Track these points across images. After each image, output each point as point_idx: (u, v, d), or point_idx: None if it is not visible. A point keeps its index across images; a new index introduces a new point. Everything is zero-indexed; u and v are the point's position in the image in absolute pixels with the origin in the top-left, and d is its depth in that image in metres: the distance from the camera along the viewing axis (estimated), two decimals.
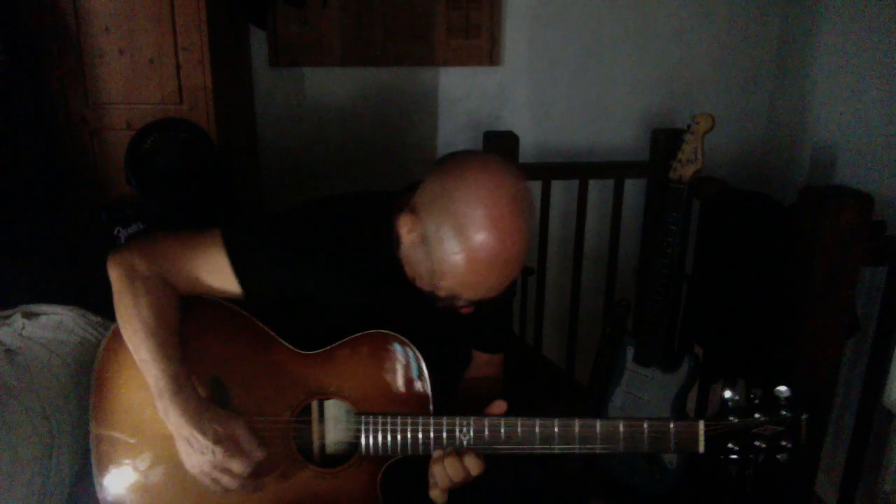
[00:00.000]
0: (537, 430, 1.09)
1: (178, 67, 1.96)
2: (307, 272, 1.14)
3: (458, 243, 1.01)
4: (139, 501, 1.16)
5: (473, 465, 1.09)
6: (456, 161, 1.06)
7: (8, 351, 1.28)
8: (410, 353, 1.13)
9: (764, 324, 1.69)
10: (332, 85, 2.50)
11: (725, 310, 1.83)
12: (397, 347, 1.14)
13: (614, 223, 2.26)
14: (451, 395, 1.32)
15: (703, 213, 1.99)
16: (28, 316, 1.39)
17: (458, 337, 1.30)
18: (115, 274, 1.13)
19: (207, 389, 1.14)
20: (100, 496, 1.17)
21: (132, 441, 1.16)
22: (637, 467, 1.81)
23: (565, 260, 2.34)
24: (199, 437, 1.06)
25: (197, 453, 1.07)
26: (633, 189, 2.33)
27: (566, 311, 2.35)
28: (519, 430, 1.09)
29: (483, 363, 1.34)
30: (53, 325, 1.38)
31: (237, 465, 1.07)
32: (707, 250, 1.94)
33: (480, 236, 1.00)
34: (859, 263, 1.47)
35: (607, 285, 2.31)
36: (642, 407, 1.80)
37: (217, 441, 1.06)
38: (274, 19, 2.38)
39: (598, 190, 2.33)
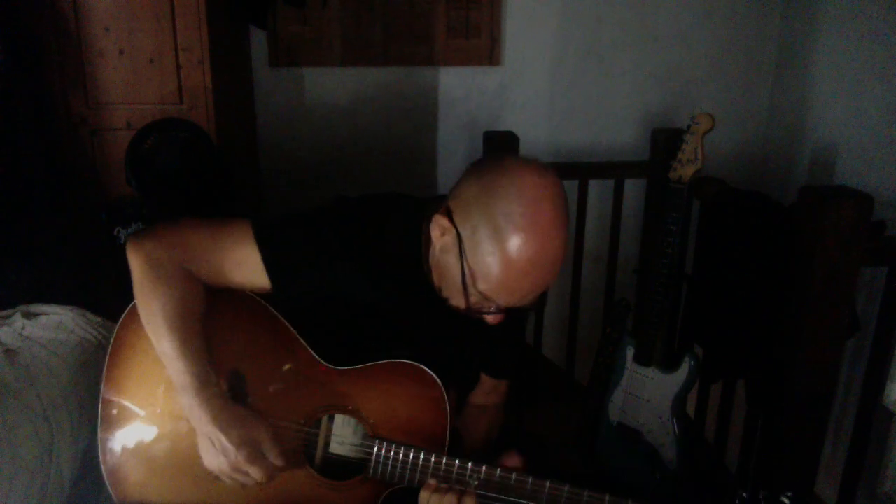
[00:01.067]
0: (546, 491, 1.08)
1: (178, 67, 1.96)
2: (336, 271, 1.11)
3: (495, 244, 0.97)
4: (139, 471, 1.16)
5: None
6: (492, 163, 1.03)
7: (8, 351, 1.28)
8: (436, 388, 1.11)
9: (764, 324, 1.69)
10: (332, 85, 2.50)
11: (725, 310, 1.83)
12: (423, 380, 1.11)
13: (614, 223, 2.26)
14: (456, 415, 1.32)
15: (703, 213, 2.00)
16: (28, 316, 1.39)
17: (469, 358, 1.29)
18: (136, 262, 1.09)
19: (226, 381, 1.12)
20: (101, 460, 1.16)
21: (141, 413, 1.15)
22: (637, 468, 1.81)
23: (565, 260, 2.33)
24: (223, 438, 1.04)
25: (218, 453, 1.06)
26: (633, 189, 2.33)
27: (566, 311, 2.35)
28: (528, 487, 1.08)
29: (489, 389, 1.33)
30: (53, 325, 1.38)
31: (256, 471, 1.06)
32: (707, 250, 1.95)
33: (519, 237, 0.96)
34: (859, 263, 1.47)
35: (607, 285, 2.31)
36: (642, 407, 1.80)
37: (240, 445, 1.05)
38: (274, 19, 2.38)
39: (598, 190, 2.33)
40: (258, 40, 2.42)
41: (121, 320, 1.16)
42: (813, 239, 1.46)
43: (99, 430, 1.17)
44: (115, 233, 1.87)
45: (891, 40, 2.00)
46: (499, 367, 1.32)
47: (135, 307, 1.13)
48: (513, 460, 1.10)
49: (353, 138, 2.55)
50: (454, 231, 1.01)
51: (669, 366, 1.77)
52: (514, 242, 0.96)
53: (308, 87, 2.49)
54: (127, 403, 1.16)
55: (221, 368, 1.11)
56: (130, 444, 1.16)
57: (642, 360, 1.80)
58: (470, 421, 1.30)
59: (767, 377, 1.68)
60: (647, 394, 1.79)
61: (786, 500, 1.05)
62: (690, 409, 2.03)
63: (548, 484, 1.08)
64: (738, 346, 1.80)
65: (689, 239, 2.10)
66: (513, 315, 1.07)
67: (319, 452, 1.16)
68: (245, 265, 1.10)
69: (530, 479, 1.08)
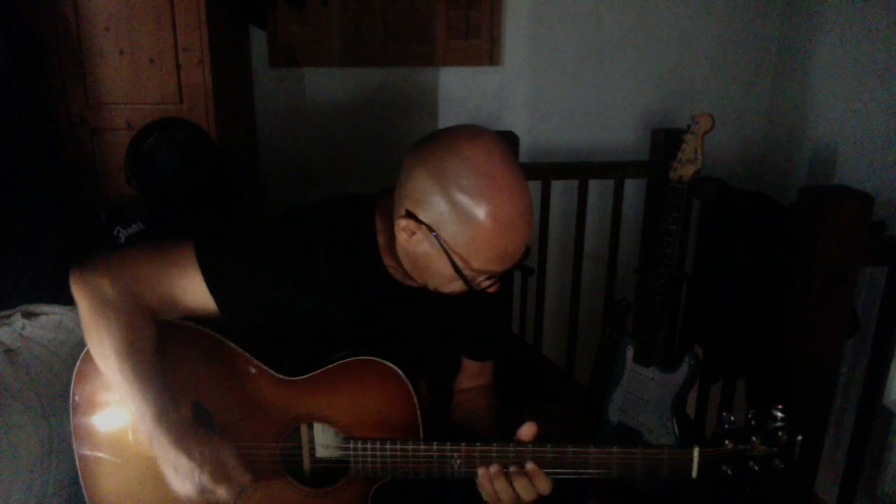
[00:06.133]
0: (530, 455, 1.06)
1: (178, 67, 1.96)
2: (286, 285, 1.09)
3: (471, 222, 0.96)
4: None
5: (544, 485, 1.06)
6: (429, 148, 1.00)
7: (8, 351, 1.29)
8: (399, 379, 1.10)
9: (764, 324, 1.69)
10: (332, 85, 2.50)
11: (725, 310, 1.83)
12: (385, 373, 1.10)
13: (614, 223, 2.26)
14: (445, 402, 1.31)
15: (703, 213, 2.00)
16: (28, 316, 1.39)
17: (448, 343, 1.28)
18: (82, 297, 1.07)
19: (190, 414, 1.11)
20: None
21: (117, 461, 1.15)
22: None
23: (565, 260, 2.34)
24: (186, 462, 1.03)
25: (184, 479, 1.04)
26: (633, 189, 2.33)
27: (566, 311, 2.35)
28: (511, 454, 1.06)
29: (475, 372, 1.32)
30: (53, 325, 1.38)
31: (224, 490, 1.05)
32: (707, 250, 1.95)
33: (489, 205, 0.96)
34: (859, 263, 1.47)
35: (607, 285, 2.31)
36: (642, 407, 1.80)
37: (203, 466, 1.03)
38: (274, 19, 2.38)
39: (598, 190, 2.33)
40: (258, 40, 2.42)
41: (76, 372, 1.14)
42: (813, 239, 1.46)
43: (82, 486, 1.16)
44: (115, 233, 1.87)
45: (891, 40, 2.00)
46: (480, 349, 1.31)
47: (88, 355, 1.12)
48: (530, 431, 1.07)
49: (353, 138, 2.55)
50: (424, 228, 1.00)
51: (669, 366, 1.77)
52: (488, 212, 0.96)
53: (308, 87, 2.49)
54: (101, 455, 1.15)
55: (182, 401, 1.10)
56: (114, 494, 1.16)
57: (642, 360, 1.80)
58: (467, 407, 1.29)
59: (767, 377, 1.68)
60: (647, 394, 1.79)
61: (777, 414, 1.04)
62: (690, 409, 2.03)
63: (531, 447, 1.06)
64: (738, 345, 1.80)
65: (689, 239, 2.10)
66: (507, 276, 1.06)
67: (306, 462, 1.16)
68: (191, 290, 1.08)
69: (511, 446, 1.06)
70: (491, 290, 1.06)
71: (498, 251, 1.00)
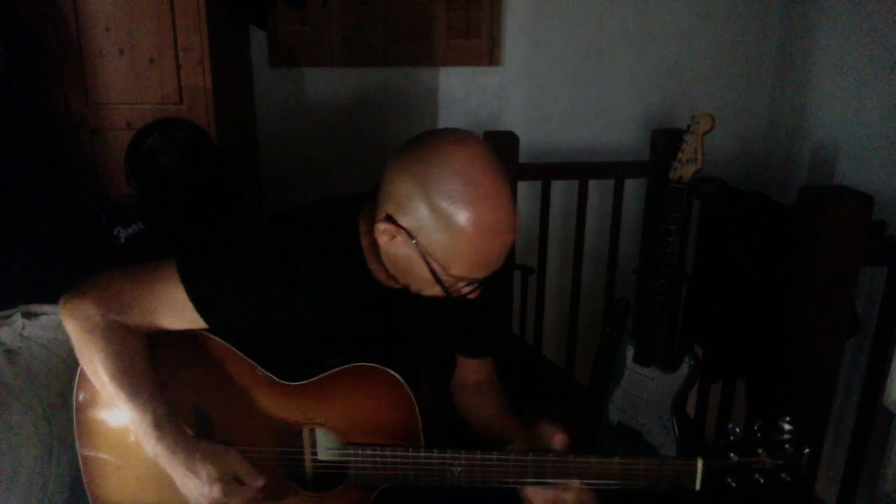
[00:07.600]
0: (530, 464, 1.05)
1: (178, 67, 1.96)
2: (271, 294, 1.08)
3: (452, 228, 0.95)
4: None
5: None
6: (414, 151, 1.00)
7: (8, 351, 1.29)
8: (399, 385, 1.09)
9: (764, 324, 1.69)
10: (332, 85, 2.50)
11: (725, 310, 1.83)
12: (385, 379, 1.09)
13: (614, 223, 2.26)
14: (443, 402, 1.31)
15: (703, 213, 2.00)
16: (28, 316, 1.40)
17: (441, 343, 1.27)
18: (70, 325, 1.08)
19: (190, 419, 1.11)
20: None
21: (120, 461, 1.15)
22: None
23: (565, 260, 2.34)
24: (193, 478, 1.03)
25: (195, 494, 1.04)
26: (633, 189, 2.33)
27: (566, 311, 2.35)
28: (512, 464, 1.05)
29: (475, 370, 1.32)
30: (53, 325, 1.38)
31: (237, 501, 1.05)
32: (707, 250, 1.95)
33: (471, 212, 0.95)
34: (859, 263, 1.47)
35: (607, 285, 2.31)
36: (642, 407, 1.80)
37: (212, 481, 1.03)
38: (274, 19, 2.38)
39: (598, 190, 2.33)
40: (258, 40, 2.42)
41: (77, 380, 1.15)
42: (813, 239, 1.46)
43: (85, 487, 1.16)
44: (115, 233, 1.87)
45: (891, 40, 2.00)
46: (476, 346, 1.30)
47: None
48: (562, 441, 1.05)
49: (353, 138, 2.55)
50: (403, 233, 0.99)
51: (669, 366, 1.77)
52: (469, 219, 0.95)
53: (308, 87, 2.49)
54: (104, 457, 1.15)
55: (181, 407, 1.10)
56: (117, 495, 1.16)
57: (642, 360, 1.80)
58: (476, 405, 1.28)
59: (767, 377, 1.68)
60: (647, 394, 1.79)
61: (785, 426, 1.02)
62: (690, 409, 2.03)
63: (531, 456, 1.05)
64: (738, 346, 1.80)
65: (689, 239, 2.10)
66: (490, 283, 1.05)
67: (308, 465, 1.15)
68: (175, 307, 1.07)
69: (512, 456, 1.05)
70: (471, 296, 1.05)
71: (477, 258, 0.99)
